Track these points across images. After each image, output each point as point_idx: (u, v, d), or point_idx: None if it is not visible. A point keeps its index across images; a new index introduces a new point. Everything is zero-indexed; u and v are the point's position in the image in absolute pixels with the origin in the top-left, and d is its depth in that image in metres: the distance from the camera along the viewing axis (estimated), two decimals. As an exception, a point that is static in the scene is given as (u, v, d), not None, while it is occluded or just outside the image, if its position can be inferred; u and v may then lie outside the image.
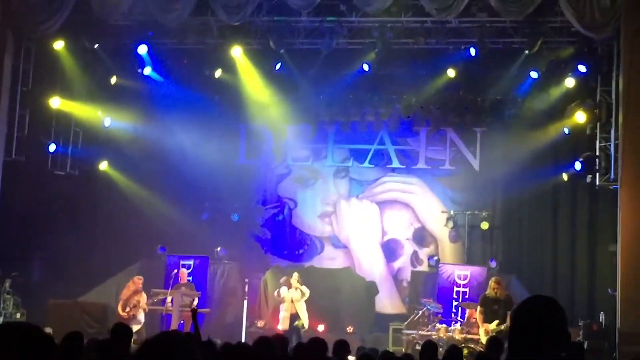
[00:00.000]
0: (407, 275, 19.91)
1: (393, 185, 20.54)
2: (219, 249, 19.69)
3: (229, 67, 18.71)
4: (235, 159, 20.85)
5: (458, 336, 15.52)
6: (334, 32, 17.42)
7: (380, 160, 20.47)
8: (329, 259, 20.40)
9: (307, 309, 16.77)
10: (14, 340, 3.10)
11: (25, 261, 19.17)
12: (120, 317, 16.03)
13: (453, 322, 16.69)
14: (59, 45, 18.20)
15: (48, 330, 14.22)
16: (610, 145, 16.19)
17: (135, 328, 15.81)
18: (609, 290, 16.38)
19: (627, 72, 15.13)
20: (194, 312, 8.55)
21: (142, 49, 18.45)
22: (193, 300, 16.59)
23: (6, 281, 17.64)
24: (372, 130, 19.92)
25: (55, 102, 18.74)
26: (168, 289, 16.53)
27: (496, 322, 14.70)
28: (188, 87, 19.41)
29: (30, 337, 3.13)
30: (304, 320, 16.56)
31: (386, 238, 20.41)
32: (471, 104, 18.77)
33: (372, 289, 19.60)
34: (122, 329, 7.87)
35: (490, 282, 15.45)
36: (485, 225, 19.28)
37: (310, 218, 20.76)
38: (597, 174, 16.51)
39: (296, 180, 20.96)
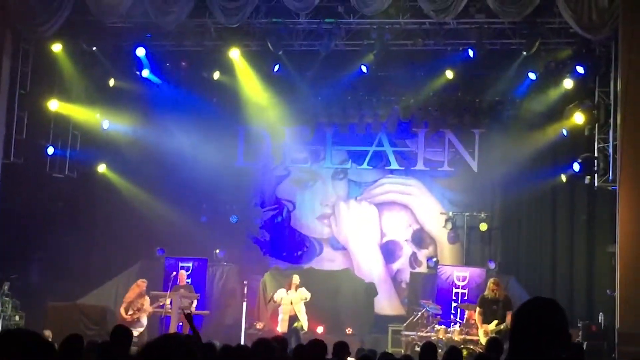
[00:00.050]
0: (406, 276, 19.91)
1: (391, 187, 20.55)
2: (217, 250, 19.69)
3: (227, 69, 18.71)
4: (234, 160, 20.85)
5: (457, 337, 15.52)
6: (332, 34, 17.40)
7: (379, 161, 20.48)
8: (328, 261, 20.40)
9: (307, 311, 16.76)
10: (13, 347, 3.09)
11: (24, 264, 19.15)
12: (123, 319, 16.04)
13: (452, 324, 16.69)
14: (57, 47, 18.20)
15: (47, 332, 14.27)
16: (608, 146, 16.20)
17: (138, 331, 15.89)
18: (607, 290, 16.37)
19: (626, 73, 15.12)
20: (189, 316, 8.53)
21: (140, 51, 18.47)
22: (192, 302, 16.59)
23: (5, 284, 17.63)
24: (370, 132, 19.93)
25: (54, 105, 18.73)
26: (167, 291, 16.52)
27: (495, 322, 14.71)
28: (186, 89, 19.42)
29: (29, 343, 3.12)
30: (303, 322, 16.54)
31: (385, 239, 20.42)
32: (469, 105, 18.79)
33: (371, 291, 19.60)
34: (122, 332, 7.86)
35: (488, 283, 15.47)
36: (484, 227, 19.29)
37: (309, 220, 20.76)
38: (596, 175, 16.51)
39: (295, 182, 20.97)
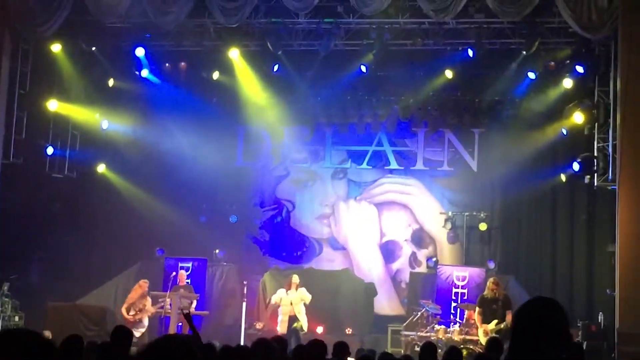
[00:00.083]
0: (405, 276, 19.91)
1: (391, 187, 20.55)
2: (217, 251, 19.68)
3: (227, 69, 18.71)
4: (233, 161, 20.84)
5: (457, 337, 15.52)
6: (331, 34, 17.40)
7: (378, 161, 20.48)
8: (328, 261, 20.40)
9: (306, 311, 16.74)
10: (13, 347, 3.09)
11: (23, 264, 19.15)
12: (125, 320, 16.05)
13: (452, 323, 16.68)
14: (56, 47, 18.20)
15: (47, 333, 14.23)
16: (608, 145, 16.20)
17: (140, 332, 15.91)
18: (607, 290, 16.38)
19: (625, 73, 15.13)
20: (188, 316, 8.52)
21: (140, 51, 18.47)
22: (191, 302, 16.58)
23: (4, 284, 17.63)
24: (370, 132, 19.93)
25: (53, 105, 18.72)
26: (167, 291, 16.52)
27: (495, 321, 14.70)
28: (185, 89, 19.42)
29: (29, 343, 3.12)
30: (303, 323, 16.51)
31: (384, 239, 20.41)
32: (469, 105, 18.79)
33: (370, 291, 19.59)
34: (123, 332, 7.86)
35: (488, 282, 15.46)
36: (483, 226, 19.29)
37: (309, 220, 20.76)
38: (595, 175, 16.52)
39: (294, 182, 20.96)
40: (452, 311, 17.77)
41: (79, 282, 19.15)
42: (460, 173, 19.99)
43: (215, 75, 18.84)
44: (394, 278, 20.21)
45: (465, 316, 16.50)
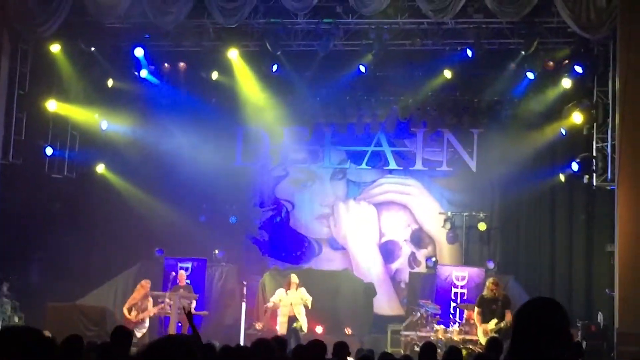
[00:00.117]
0: (405, 276, 19.90)
1: (390, 187, 20.55)
2: (216, 251, 19.67)
3: (226, 69, 18.72)
4: (232, 161, 20.84)
5: (456, 337, 15.52)
6: (330, 34, 17.42)
7: (378, 161, 20.47)
8: (327, 261, 20.39)
9: (306, 311, 16.72)
10: (13, 345, 3.09)
11: (23, 264, 19.15)
12: (128, 320, 16.07)
13: (451, 323, 16.69)
14: (55, 48, 18.21)
15: (46, 333, 14.22)
16: (607, 145, 16.22)
17: (141, 332, 15.95)
18: (606, 290, 16.40)
19: (624, 73, 15.14)
20: (189, 314, 8.53)
21: (139, 52, 18.48)
22: (191, 302, 16.58)
23: (4, 284, 17.63)
24: (369, 132, 19.93)
25: (52, 105, 18.73)
26: (166, 291, 16.54)
27: (494, 320, 14.70)
28: (185, 89, 19.42)
29: (30, 340, 3.12)
30: (303, 323, 16.49)
31: (384, 239, 20.41)
32: (468, 105, 18.80)
33: (370, 291, 19.59)
34: (123, 332, 7.86)
35: (487, 282, 15.43)
36: (482, 227, 19.29)
37: (308, 220, 20.76)
38: (594, 175, 16.54)
39: (293, 183, 20.96)
40: (452, 311, 17.77)
41: (78, 282, 19.14)
42: (460, 173, 20.00)
43: (215, 75, 18.84)
44: (394, 278, 20.21)
45: (464, 316, 16.51)
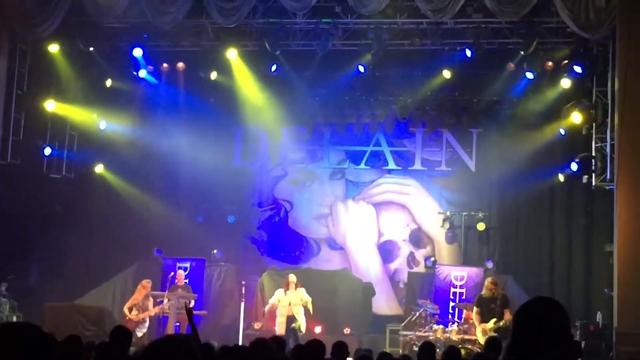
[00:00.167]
0: (403, 276, 19.89)
1: (389, 187, 20.54)
2: (215, 251, 19.65)
3: (225, 69, 18.71)
4: (231, 161, 20.83)
5: (455, 337, 15.53)
6: (329, 34, 17.41)
7: (376, 161, 20.47)
8: (326, 261, 20.37)
9: (304, 311, 16.72)
10: (13, 340, 3.08)
11: (21, 264, 19.13)
12: (129, 320, 16.07)
13: (450, 323, 16.69)
14: (54, 48, 18.19)
15: (45, 333, 14.22)
16: (606, 145, 16.22)
17: (142, 332, 15.94)
18: (605, 290, 16.40)
19: (623, 73, 15.14)
20: (190, 311, 8.51)
21: (137, 52, 18.47)
22: (189, 302, 16.56)
23: (2, 284, 17.62)
24: (368, 132, 19.93)
25: (51, 105, 18.72)
26: (165, 291, 16.53)
27: (493, 320, 14.70)
28: (183, 89, 19.42)
29: (29, 336, 3.11)
30: (302, 323, 16.48)
31: (382, 239, 20.41)
32: (467, 105, 18.81)
33: (368, 291, 19.58)
34: (121, 332, 7.85)
35: (486, 282, 15.44)
36: (481, 226, 19.30)
37: (307, 220, 20.75)
38: (593, 175, 16.54)
39: (292, 182, 20.95)
40: (451, 311, 17.77)
41: (77, 282, 19.14)
42: (458, 173, 20.00)
43: (213, 75, 18.83)
44: (392, 278, 20.21)
45: (463, 316, 16.51)
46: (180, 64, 18.95)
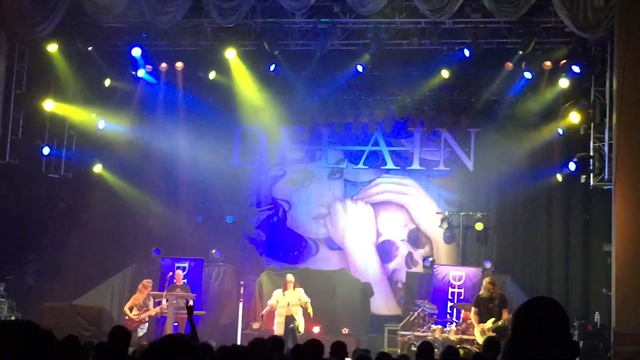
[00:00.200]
0: (402, 276, 19.90)
1: (387, 187, 20.55)
2: (213, 251, 19.65)
3: (223, 69, 18.71)
4: (230, 160, 20.85)
5: (453, 337, 15.53)
6: (328, 34, 17.41)
7: (375, 161, 20.48)
8: (324, 261, 20.38)
9: (303, 310, 16.70)
10: (12, 337, 3.08)
11: (19, 264, 19.14)
12: (129, 319, 16.08)
13: (448, 323, 16.71)
14: (52, 47, 18.19)
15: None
16: (604, 145, 16.23)
17: (142, 331, 15.92)
18: (603, 290, 16.43)
19: (621, 72, 15.13)
20: (190, 309, 8.51)
21: (136, 51, 18.47)
22: (188, 302, 16.54)
23: (0, 284, 17.61)
24: (366, 132, 19.96)
25: (49, 105, 18.72)
26: (163, 291, 16.52)
27: (492, 320, 14.70)
28: (182, 89, 19.41)
29: (28, 334, 3.11)
30: (300, 324, 16.46)
31: (381, 239, 20.41)
32: (465, 104, 18.84)
33: (367, 291, 19.57)
34: (120, 332, 7.85)
35: (484, 282, 15.45)
36: (479, 226, 19.30)
37: (305, 220, 20.76)
38: (591, 174, 16.54)
39: (290, 182, 20.96)
40: (449, 311, 17.79)
41: (75, 282, 19.13)
42: (457, 173, 20.01)
43: (212, 75, 18.83)
44: (391, 278, 20.21)
45: (461, 316, 16.51)
46: (179, 64, 18.94)
